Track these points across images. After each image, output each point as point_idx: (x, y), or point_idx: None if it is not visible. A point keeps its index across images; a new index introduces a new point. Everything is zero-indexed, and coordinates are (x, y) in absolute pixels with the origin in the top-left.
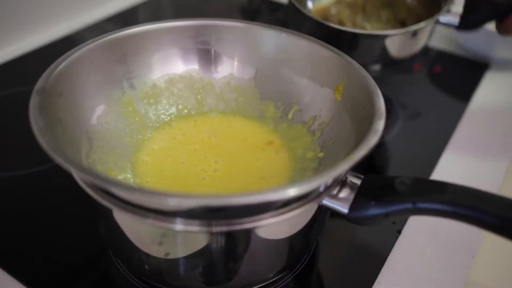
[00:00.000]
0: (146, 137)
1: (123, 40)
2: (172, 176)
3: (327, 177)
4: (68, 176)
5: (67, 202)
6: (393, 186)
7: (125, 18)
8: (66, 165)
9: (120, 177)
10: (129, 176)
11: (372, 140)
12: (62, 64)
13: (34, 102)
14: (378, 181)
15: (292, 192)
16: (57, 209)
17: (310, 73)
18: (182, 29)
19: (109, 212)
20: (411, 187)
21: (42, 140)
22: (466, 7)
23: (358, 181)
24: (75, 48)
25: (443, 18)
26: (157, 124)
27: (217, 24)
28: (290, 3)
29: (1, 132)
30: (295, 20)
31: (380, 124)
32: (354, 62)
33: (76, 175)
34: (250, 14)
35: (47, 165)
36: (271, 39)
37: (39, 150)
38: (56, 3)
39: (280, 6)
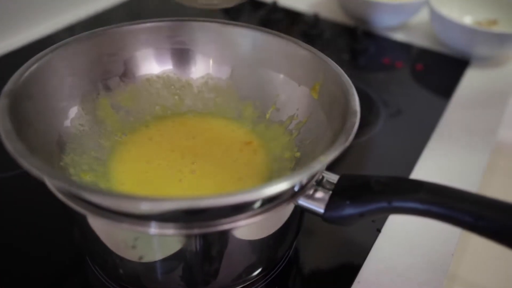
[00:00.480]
0: (122, 139)
1: (98, 40)
2: (148, 178)
3: (299, 177)
4: (40, 184)
5: (39, 210)
6: (369, 185)
7: (102, 19)
8: (35, 171)
9: (94, 180)
10: (103, 180)
11: (345, 140)
12: (33, 66)
13: (2, 104)
14: (354, 181)
15: (264, 192)
16: (29, 217)
17: (287, 71)
18: (158, 29)
19: (83, 218)
20: (386, 186)
21: (9, 144)
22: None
23: (334, 181)
24: (47, 50)
25: None
26: (135, 125)
27: (191, 23)
28: None
29: None
30: None
31: (353, 124)
32: (330, 60)
33: (48, 181)
34: (232, 14)
35: (17, 171)
36: (247, 38)
37: (7, 154)
38: (33, 4)
39: (262, 5)
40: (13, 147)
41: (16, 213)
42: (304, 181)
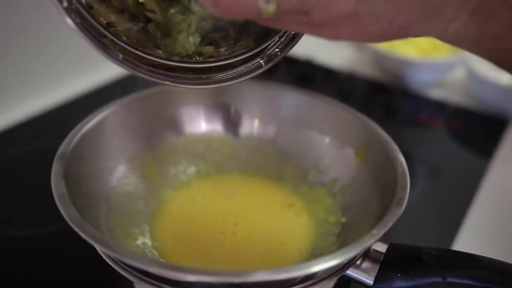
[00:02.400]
0: (164, 199)
1: (144, 101)
2: (190, 240)
3: (353, 252)
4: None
5: (84, 268)
6: (421, 257)
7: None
8: (90, 240)
9: (138, 241)
10: (147, 240)
11: (398, 211)
12: (84, 128)
13: (56, 168)
14: (404, 251)
15: (316, 268)
16: (73, 274)
17: (330, 134)
18: (204, 89)
19: (130, 283)
20: (439, 259)
21: (64, 211)
22: None
23: (382, 250)
24: (95, 112)
25: None
26: (176, 185)
27: (236, 85)
28: None
29: (18, 189)
30: None
31: (404, 193)
32: (376, 125)
33: (101, 250)
34: (268, 70)
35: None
36: (291, 100)
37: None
38: (75, 60)
39: (297, 61)
40: (68, 214)
41: (57, 268)
42: (355, 255)
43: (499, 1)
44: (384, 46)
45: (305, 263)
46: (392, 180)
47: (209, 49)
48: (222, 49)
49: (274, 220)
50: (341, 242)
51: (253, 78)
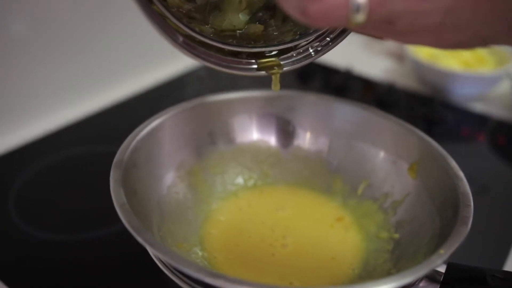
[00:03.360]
0: (212, 208)
1: (195, 111)
2: (240, 251)
3: (422, 272)
4: (132, 243)
5: (129, 271)
6: (485, 279)
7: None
8: (153, 250)
9: (189, 251)
10: (198, 250)
11: (463, 230)
12: (138, 136)
13: (115, 176)
14: (465, 272)
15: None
16: (118, 277)
17: (383, 148)
18: (254, 99)
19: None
20: (505, 283)
21: (125, 220)
22: None
23: (441, 270)
24: (150, 119)
25: None
26: (224, 195)
27: (289, 95)
28: None
29: (67, 193)
30: None
31: (469, 212)
32: (431, 140)
33: (153, 254)
34: (304, 78)
35: (112, 228)
36: (344, 113)
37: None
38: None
39: (334, 71)
40: (129, 223)
41: (108, 273)
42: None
43: None
44: (426, 58)
45: (371, 282)
46: (452, 197)
47: (258, 28)
48: (270, 29)
49: (323, 234)
50: (396, 259)
51: (303, 89)
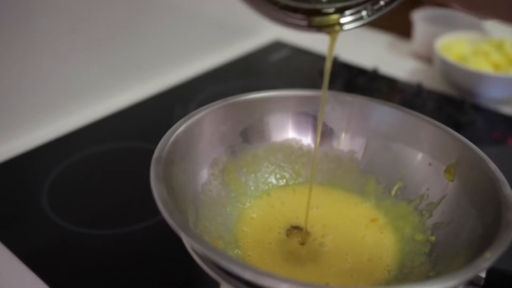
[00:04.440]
0: (245, 206)
1: (231, 109)
2: (274, 250)
3: (468, 275)
4: (172, 237)
5: (171, 265)
6: None
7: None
8: (197, 245)
9: (224, 247)
10: (233, 247)
11: (509, 234)
12: (176, 132)
13: (155, 172)
14: (507, 278)
15: None
16: (161, 271)
17: (418, 149)
18: (289, 98)
19: (216, 285)
20: None
21: (169, 217)
22: None
23: (481, 274)
24: (189, 115)
25: None
26: (256, 193)
27: (329, 96)
28: None
29: (105, 188)
30: None
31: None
32: (470, 143)
33: (190, 248)
34: (331, 78)
35: (147, 222)
36: (379, 114)
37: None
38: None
39: (361, 71)
40: (173, 219)
41: (145, 266)
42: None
43: None
44: (455, 60)
45: (416, 283)
46: (494, 200)
47: None
48: None
49: (359, 234)
50: (433, 262)
51: (335, 89)
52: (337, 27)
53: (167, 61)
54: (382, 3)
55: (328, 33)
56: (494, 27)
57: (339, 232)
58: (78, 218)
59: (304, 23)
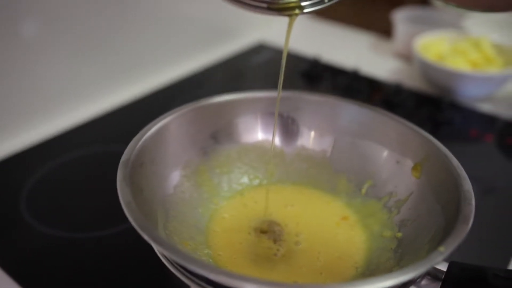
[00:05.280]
0: (218, 207)
1: (202, 111)
2: (244, 249)
3: (421, 269)
4: (142, 242)
5: (138, 269)
6: (486, 278)
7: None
8: (157, 246)
9: (194, 248)
10: (203, 248)
11: (464, 228)
12: (145, 136)
13: (121, 174)
14: (467, 271)
15: (384, 284)
16: (127, 275)
17: (387, 148)
18: (258, 100)
19: (184, 286)
20: (507, 282)
21: (131, 216)
22: None
23: (443, 268)
24: (158, 118)
25: None
26: (229, 194)
27: (294, 95)
28: None
29: (78, 191)
30: None
31: (470, 210)
32: (435, 140)
33: (158, 251)
34: (312, 79)
35: (119, 227)
36: (348, 113)
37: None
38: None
39: (342, 72)
40: (135, 221)
41: (116, 269)
42: (420, 274)
43: None
44: (434, 59)
45: (372, 279)
46: (455, 196)
47: None
48: None
49: (330, 233)
50: (398, 257)
51: (311, 90)
52: (297, 10)
53: (151, 65)
54: None
55: (288, 15)
56: (473, 26)
57: (312, 230)
58: (56, 222)
59: (264, 5)
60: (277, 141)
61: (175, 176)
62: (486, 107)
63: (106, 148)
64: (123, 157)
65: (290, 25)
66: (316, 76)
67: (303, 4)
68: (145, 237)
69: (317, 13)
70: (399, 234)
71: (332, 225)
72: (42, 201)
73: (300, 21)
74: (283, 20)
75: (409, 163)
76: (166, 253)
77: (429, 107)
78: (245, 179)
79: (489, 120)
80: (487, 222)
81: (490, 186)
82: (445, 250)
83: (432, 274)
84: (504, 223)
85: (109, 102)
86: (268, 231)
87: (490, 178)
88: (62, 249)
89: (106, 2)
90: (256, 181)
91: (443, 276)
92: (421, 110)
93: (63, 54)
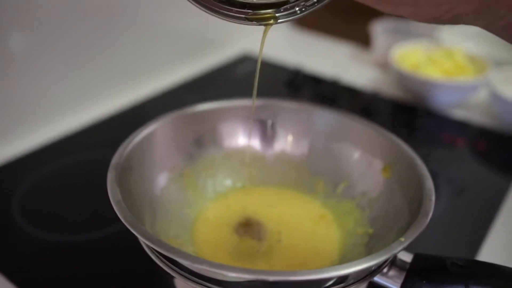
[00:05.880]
0: (203, 208)
1: (188, 117)
2: (228, 247)
3: (383, 257)
4: (129, 243)
5: (129, 268)
6: (445, 266)
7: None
8: (144, 239)
9: (180, 247)
10: (188, 245)
11: (424, 221)
12: (133, 141)
13: (111, 176)
14: (429, 261)
15: (346, 271)
16: (119, 274)
17: (359, 151)
18: (239, 108)
19: (170, 279)
20: (463, 269)
21: (120, 213)
22: None
23: (408, 259)
24: (145, 124)
25: None
26: (213, 196)
27: (273, 103)
28: None
29: (71, 196)
30: None
31: (430, 206)
32: (403, 143)
33: (146, 245)
34: (295, 88)
35: (108, 229)
36: (324, 118)
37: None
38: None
39: (323, 81)
40: (124, 217)
41: (107, 268)
42: (381, 262)
43: None
44: (409, 68)
45: (337, 266)
46: (419, 194)
47: None
48: None
49: (309, 231)
50: (368, 251)
51: (286, 96)
52: (272, 20)
53: (138, 75)
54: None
55: (264, 25)
56: (447, 37)
57: (292, 229)
58: (48, 226)
59: (243, 16)
60: (258, 146)
61: (162, 179)
62: (459, 114)
63: (94, 156)
64: (113, 161)
65: (264, 33)
66: (298, 85)
67: (277, 15)
68: (134, 232)
69: (300, 24)
70: (371, 230)
71: (310, 224)
72: (35, 206)
73: (284, 33)
74: (268, 32)
75: (379, 165)
76: (154, 247)
77: (405, 114)
78: (228, 182)
79: (461, 126)
80: (457, 219)
81: (461, 187)
82: (405, 240)
83: (399, 265)
84: (472, 220)
85: (97, 112)
86: (249, 225)
87: (461, 180)
88: (53, 250)
89: (92, 14)
90: (239, 184)
91: (408, 266)
92: (398, 116)
93: (52, 65)
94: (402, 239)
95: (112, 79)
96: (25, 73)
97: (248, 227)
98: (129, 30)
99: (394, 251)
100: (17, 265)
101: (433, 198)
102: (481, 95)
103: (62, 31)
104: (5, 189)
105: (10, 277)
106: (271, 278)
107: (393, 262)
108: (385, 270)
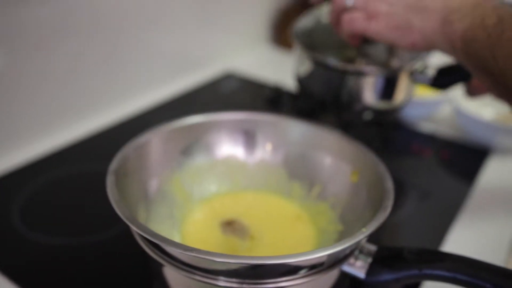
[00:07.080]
0: (191, 210)
1: (180, 130)
2: (214, 245)
3: (348, 243)
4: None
5: (124, 267)
6: (402, 255)
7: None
8: (140, 232)
9: None
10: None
11: (382, 216)
12: (127, 151)
13: (110, 180)
14: (390, 251)
15: (314, 255)
16: (114, 276)
17: (330, 158)
18: (226, 121)
19: (160, 268)
20: (417, 256)
21: (120, 212)
22: (440, 71)
23: (373, 251)
24: (138, 136)
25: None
26: (201, 200)
27: (255, 117)
28: None
29: (74, 203)
30: None
31: (388, 202)
32: (368, 151)
33: (139, 237)
34: (274, 103)
35: (110, 232)
36: (299, 130)
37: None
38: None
39: (297, 97)
40: (123, 213)
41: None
42: (348, 250)
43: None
44: None
45: (309, 251)
46: (381, 193)
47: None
48: None
49: (287, 229)
50: None
51: (267, 110)
52: None
53: (125, 93)
54: None
55: None
56: None
57: (272, 228)
58: (48, 231)
59: None
60: (241, 154)
61: (153, 185)
62: (426, 126)
63: (87, 167)
64: (110, 167)
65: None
66: (278, 101)
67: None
68: (133, 227)
69: (280, 44)
70: (340, 228)
71: (288, 223)
72: (35, 213)
73: (265, 52)
74: (249, 50)
75: (348, 170)
76: (151, 238)
77: (377, 127)
78: (214, 188)
79: (428, 138)
80: (423, 219)
81: (427, 192)
82: (366, 230)
83: (365, 255)
84: (436, 221)
85: (84, 128)
86: (234, 224)
87: (427, 186)
88: (53, 253)
89: (74, 32)
90: (224, 189)
91: (373, 256)
92: (370, 130)
93: (45, 80)
94: (364, 229)
95: (89, 99)
96: (14, 90)
97: (232, 226)
98: (118, 49)
99: (357, 239)
100: (20, 268)
101: (392, 196)
102: (446, 110)
103: (50, 47)
104: (6, 197)
105: (14, 279)
106: (253, 262)
107: (361, 253)
108: (352, 260)
